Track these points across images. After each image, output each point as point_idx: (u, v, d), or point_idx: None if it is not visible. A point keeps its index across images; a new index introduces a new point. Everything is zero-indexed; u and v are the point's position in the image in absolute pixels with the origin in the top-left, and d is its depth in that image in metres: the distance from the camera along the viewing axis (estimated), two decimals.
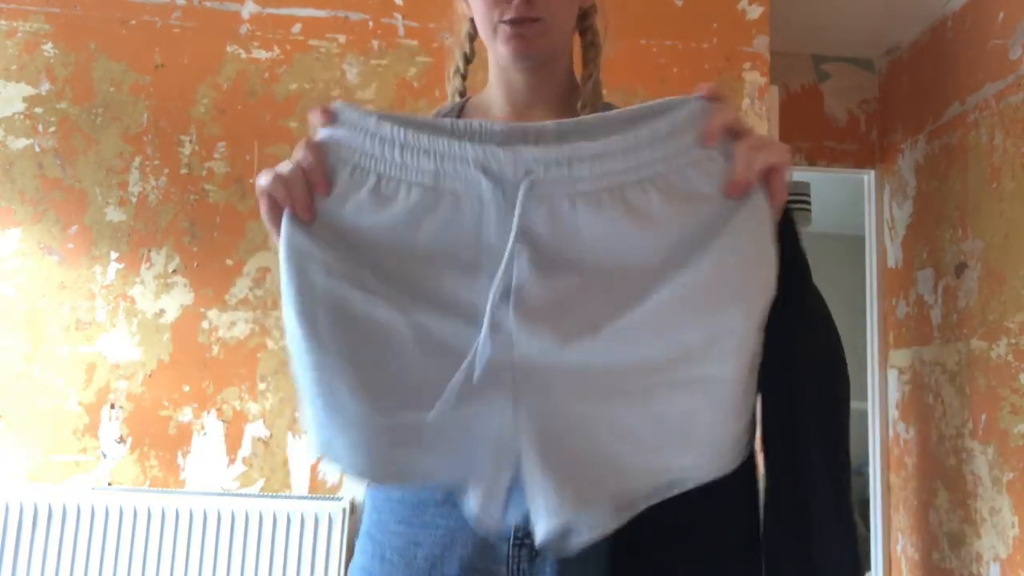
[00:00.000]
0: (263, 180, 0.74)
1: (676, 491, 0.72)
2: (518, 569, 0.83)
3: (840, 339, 0.83)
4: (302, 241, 0.73)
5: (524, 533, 0.82)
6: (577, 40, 0.99)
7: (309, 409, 0.73)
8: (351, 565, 0.92)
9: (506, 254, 0.70)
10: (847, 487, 0.80)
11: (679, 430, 0.71)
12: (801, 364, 0.78)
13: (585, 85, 0.95)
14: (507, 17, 0.87)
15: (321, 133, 0.76)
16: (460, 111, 0.99)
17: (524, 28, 0.87)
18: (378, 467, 0.73)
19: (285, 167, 0.74)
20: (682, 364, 0.70)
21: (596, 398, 0.71)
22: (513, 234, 0.70)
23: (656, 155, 0.71)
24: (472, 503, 0.72)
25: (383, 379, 0.72)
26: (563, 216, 0.70)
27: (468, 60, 0.99)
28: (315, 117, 0.76)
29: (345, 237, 0.73)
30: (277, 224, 0.74)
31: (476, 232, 0.72)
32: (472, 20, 0.95)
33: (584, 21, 0.98)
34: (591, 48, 0.98)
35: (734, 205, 0.72)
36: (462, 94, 1.01)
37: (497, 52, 0.92)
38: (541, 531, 0.71)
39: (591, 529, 0.73)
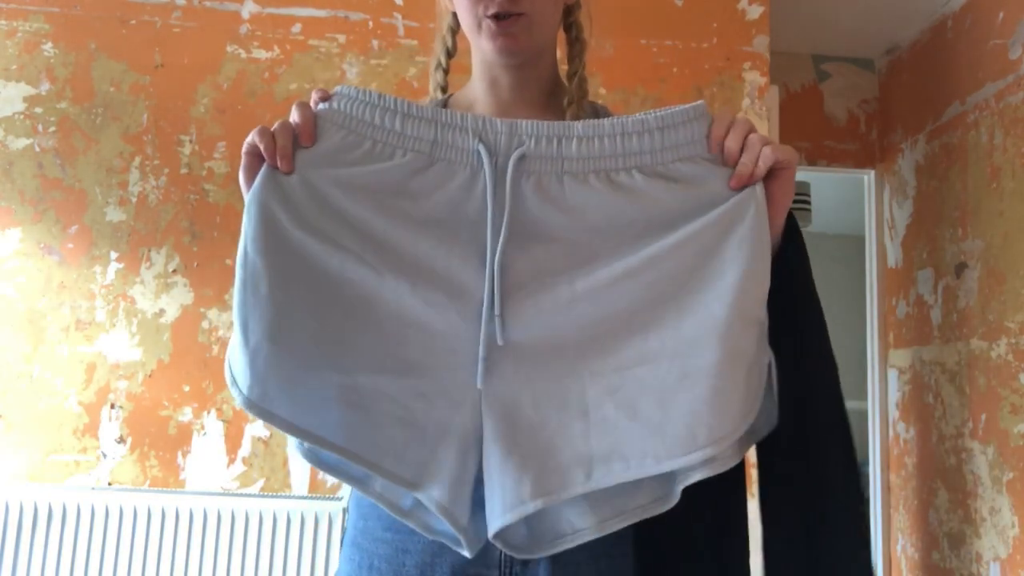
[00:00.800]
0: (250, 136, 0.73)
1: (657, 506, 0.69)
2: (511, 572, 0.80)
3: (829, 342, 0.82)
4: (272, 191, 0.71)
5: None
6: (562, 36, 0.97)
7: (248, 358, 0.69)
8: (336, 574, 0.88)
9: (490, 231, 0.69)
10: (862, 496, 0.79)
11: (652, 419, 0.67)
12: (810, 374, 0.76)
13: (571, 82, 0.93)
14: (491, 12, 0.85)
15: (320, 106, 0.75)
16: (443, 107, 0.95)
17: (509, 25, 0.85)
18: (326, 428, 0.68)
19: (261, 131, 0.73)
20: (655, 343, 0.68)
21: (567, 378, 0.69)
22: (508, 206, 0.69)
23: (644, 146, 0.71)
24: (431, 500, 0.68)
25: (347, 337, 0.69)
26: (550, 190, 0.71)
27: (450, 55, 0.97)
28: (316, 95, 0.75)
29: (327, 196, 0.72)
30: (252, 180, 0.73)
31: (463, 201, 0.71)
32: (455, 14, 0.93)
33: (569, 16, 0.95)
34: (576, 44, 0.95)
35: (731, 195, 0.70)
36: (444, 89, 0.98)
37: (481, 48, 0.89)
38: (494, 525, 0.68)
39: (571, 538, 0.70)
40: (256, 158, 0.73)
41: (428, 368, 0.70)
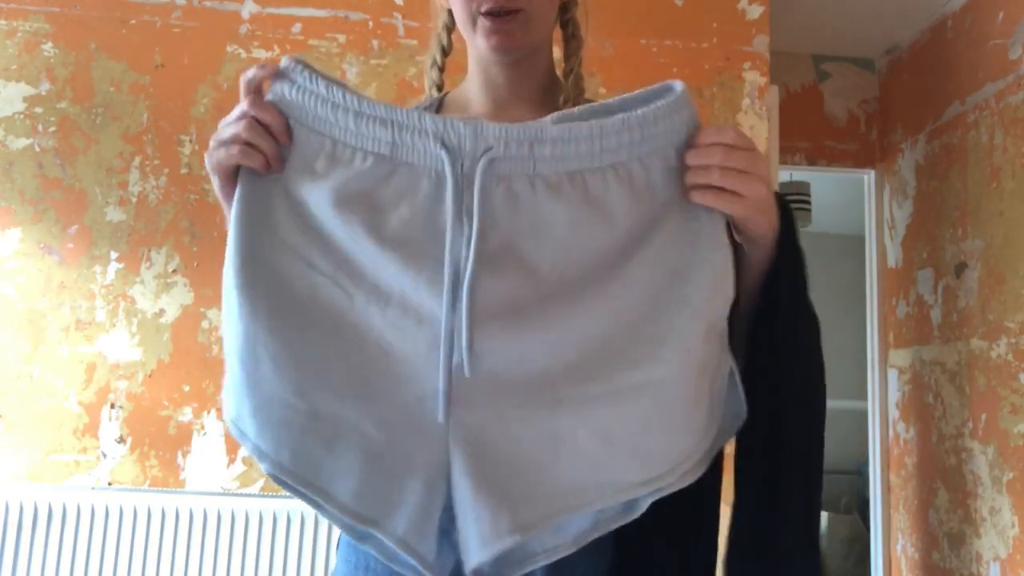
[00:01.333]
0: (236, 129, 0.69)
1: (629, 514, 0.68)
2: None
3: (823, 366, 0.79)
4: (256, 205, 0.68)
5: None
6: (558, 34, 0.95)
7: (229, 378, 0.68)
8: (332, 574, 0.87)
9: (449, 242, 0.65)
10: (818, 515, 0.79)
11: (628, 444, 0.66)
12: (784, 388, 0.75)
13: (567, 79, 0.91)
14: (484, 8, 0.82)
15: (271, 94, 0.70)
16: (439, 106, 0.95)
17: (505, 22, 0.83)
18: (283, 453, 0.66)
19: (234, 124, 0.70)
20: (628, 367, 0.66)
21: (539, 408, 0.66)
22: (476, 222, 0.65)
23: (623, 142, 0.67)
24: (393, 537, 0.65)
25: (311, 362, 0.66)
26: (522, 199, 0.66)
27: (446, 53, 0.95)
28: (260, 71, 0.71)
29: (298, 206, 0.69)
30: (233, 183, 0.70)
31: (431, 215, 0.66)
32: (450, 11, 0.91)
33: (565, 13, 0.93)
34: (572, 41, 0.93)
35: (693, 207, 0.68)
36: (439, 87, 0.97)
37: (477, 46, 0.87)
38: (471, 562, 0.65)
39: (543, 556, 0.69)
40: (244, 154, 0.69)
41: (393, 396, 0.66)
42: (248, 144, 0.69)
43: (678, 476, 0.66)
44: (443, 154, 0.66)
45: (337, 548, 0.88)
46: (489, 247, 0.65)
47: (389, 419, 0.66)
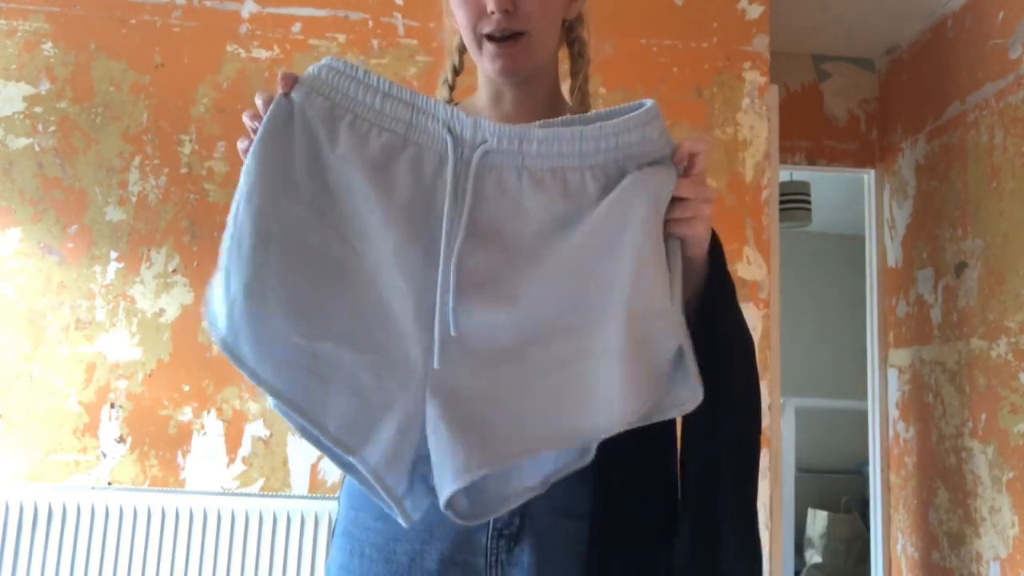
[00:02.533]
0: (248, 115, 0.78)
1: (582, 459, 0.78)
2: (496, 560, 0.85)
3: (755, 362, 0.91)
4: (275, 151, 0.76)
5: (503, 524, 0.85)
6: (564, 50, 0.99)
7: (220, 291, 0.75)
8: (328, 563, 0.92)
9: (446, 215, 0.75)
10: (754, 504, 0.88)
11: (580, 396, 0.77)
12: (719, 382, 0.82)
13: (572, 96, 0.96)
14: (486, 31, 0.87)
15: (303, 75, 0.79)
16: None
17: (508, 47, 0.88)
18: (283, 384, 0.75)
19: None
20: (577, 335, 0.77)
21: (507, 364, 0.77)
22: (468, 202, 0.76)
23: (600, 147, 0.77)
24: (366, 465, 0.74)
25: (318, 311, 0.76)
26: (509, 187, 0.77)
27: (457, 72, 1.01)
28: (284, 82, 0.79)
29: (315, 165, 0.77)
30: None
31: (431, 188, 0.77)
32: (459, 32, 0.96)
33: (571, 32, 0.97)
34: (578, 59, 0.98)
35: (656, 207, 0.78)
36: (449, 103, 1.01)
37: (483, 66, 0.93)
38: (445, 492, 0.74)
39: (512, 499, 0.77)
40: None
41: (385, 348, 0.76)
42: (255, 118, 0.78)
43: (622, 426, 0.77)
44: (448, 139, 0.76)
45: (331, 538, 0.92)
46: (477, 223, 0.76)
47: (379, 366, 0.76)
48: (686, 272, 0.81)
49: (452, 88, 1.01)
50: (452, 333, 0.75)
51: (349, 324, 0.76)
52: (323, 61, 0.79)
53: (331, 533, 0.93)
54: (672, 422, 0.85)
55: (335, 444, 0.75)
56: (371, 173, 0.76)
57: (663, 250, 0.78)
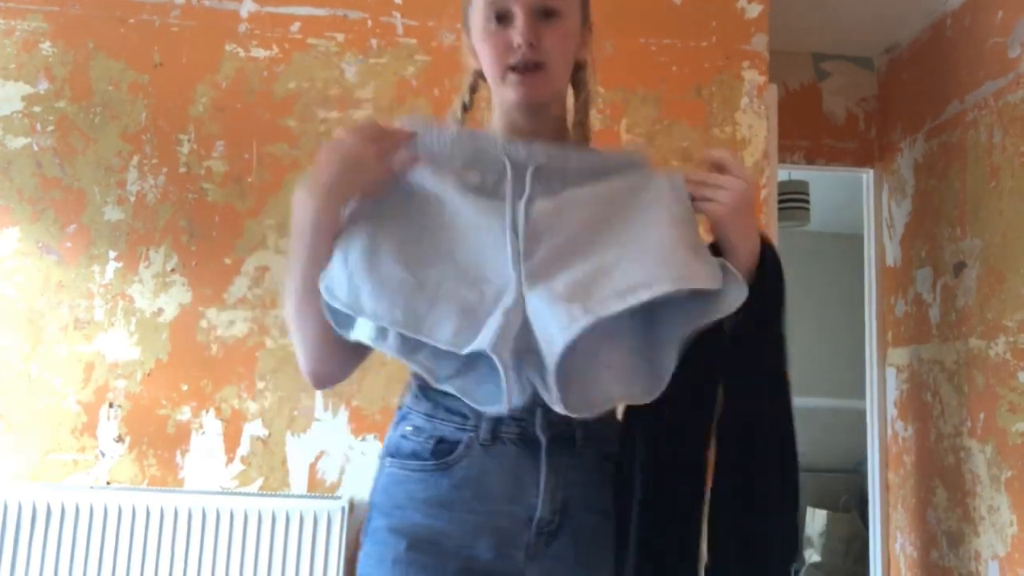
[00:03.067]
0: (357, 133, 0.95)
1: (640, 296, 0.92)
2: (535, 553, 0.95)
3: (787, 379, 1.05)
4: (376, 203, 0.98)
5: (545, 523, 0.95)
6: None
7: (339, 276, 0.91)
8: (364, 559, 0.98)
9: (509, 213, 0.97)
10: (796, 487, 1.00)
11: (653, 269, 0.94)
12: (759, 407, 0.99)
13: (575, 129, 1.10)
14: (512, 62, 1.00)
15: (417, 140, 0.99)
16: None
17: (530, 76, 1.00)
18: (396, 312, 0.90)
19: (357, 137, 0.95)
20: (634, 237, 0.98)
21: (585, 259, 0.96)
22: (527, 190, 0.97)
23: (620, 163, 1.03)
24: (480, 345, 0.86)
25: (420, 254, 0.94)
26: (553, 189, 1.00)
27: (466, 109, 1.11)
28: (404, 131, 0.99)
29: (410, 185, 0.99)
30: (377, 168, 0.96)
31: (495, 185, 0.98)
32: (476, 72, 1.07)
33: (578, 73, 1.09)
34: (582, 97, 1.11)
35: (669, 187, 1.02)
36: None
37: (503, 96, 1.03)
38: (558, 346, 0.86)
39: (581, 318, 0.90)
40: (389, 145, 0.96)
41: (481, 273, 0.94)
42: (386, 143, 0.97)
43: (699, 282, 0.93)
44: (507, 160, 0.98)
45: (364, 536, 0.99)
46: (533, 209, 0.98)
47: (479, 283, 0.93)
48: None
49: (461, 123, 1.11)
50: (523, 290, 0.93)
51: (449, 261, 0.94)
52: (415, 124, 1.00)
53: (364, 532, 1.01)
54: (701, 433, 0.99)
55: (452, 348, 0.88)
56: (450, 178, 0.97)
57: (692, 219, 0.99)
